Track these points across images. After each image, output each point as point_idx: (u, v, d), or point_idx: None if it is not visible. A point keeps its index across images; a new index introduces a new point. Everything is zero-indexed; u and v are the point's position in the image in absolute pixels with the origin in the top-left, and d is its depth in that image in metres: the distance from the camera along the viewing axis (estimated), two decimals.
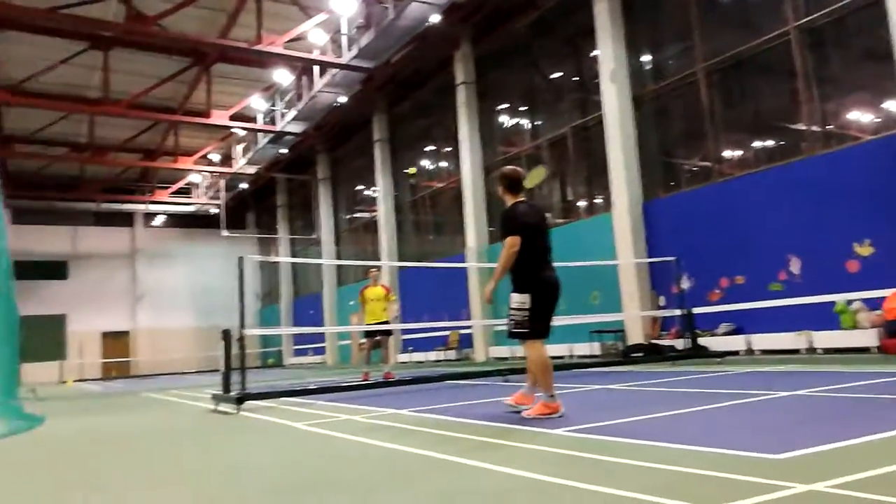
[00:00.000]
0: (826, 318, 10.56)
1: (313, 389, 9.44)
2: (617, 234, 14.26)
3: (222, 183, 31.26)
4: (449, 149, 21.59)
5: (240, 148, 28.66)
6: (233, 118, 24.32)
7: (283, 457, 4.39)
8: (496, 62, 19.26)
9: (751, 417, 4.43)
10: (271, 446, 4.87)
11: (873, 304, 9.99)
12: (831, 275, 10.75)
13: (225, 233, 30.58)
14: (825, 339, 10.46)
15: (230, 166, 29.66)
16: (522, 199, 5.38)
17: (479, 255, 18.52)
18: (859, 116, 11.55)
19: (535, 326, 5.11)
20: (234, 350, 8.07)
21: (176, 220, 36.03)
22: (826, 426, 3.84)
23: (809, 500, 2.32)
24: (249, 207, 37.54)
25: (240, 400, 7.42)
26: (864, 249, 10.40)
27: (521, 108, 18.79)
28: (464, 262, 18.30)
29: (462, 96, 19.36)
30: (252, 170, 29.89)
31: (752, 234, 11.90)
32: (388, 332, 12.06)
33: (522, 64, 18.49)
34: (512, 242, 5.11)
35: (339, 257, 27.82)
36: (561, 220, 17.05)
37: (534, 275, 5.16)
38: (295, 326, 31.72)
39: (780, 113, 12.56)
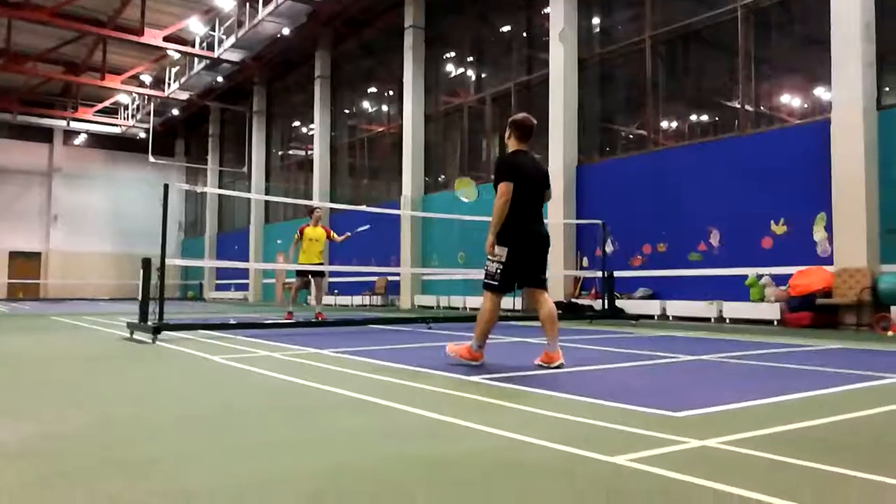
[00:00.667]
0: (737, 290, 11.10)
1: (233, 325, 9.31)
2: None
3: (152, 106, 29.86)
4: (391, 93, 21.24)
5: (173, 71, 27.36)
6: (167, 39, 23.13)
7: (197, 387, 4.34)
8: (447, 9, 18.92)
9: (657, 378, 4.64)
10: (185, 376, 4.81)
11: (781, 280, 10.55)
12: (747, 249, 11.25)
13: (151, 158, 29.39)
14: (734, 309, 11.01)
15: (162, 90, 28.33)
16: (524, 149, 5.11)
17: (414, 203, 18.47)
18: (790, 100, 11.96)
19: (502, 281, 4.95)
20: (154, 280, 7.85)
21: (100, 141, 34.35)
22: (723, 390, 4.07)
23: (701, 454, 2.46)
24: (179, 134, 36.11)
25: (156, 330, 7.26)
26: (779, 228, 10.91)
27: (468, 59, 18.60)
28: (398, 209, 18.22)
29: (410, 40, 18.98)
30: (184, 96, 28.67)
31: (679, 205, 12.29)
32: (321, 274, 11.94)
33: (473, 14, 18.23)
34: (504, 190, 4.86)
35: (268, 194, 27.20)
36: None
37: (516, 228, 4.92)
38: (218, 260, 31.05)
39: (718, 89, 12.88)
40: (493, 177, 5.09)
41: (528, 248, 4.97)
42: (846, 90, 9.88)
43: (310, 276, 11.54)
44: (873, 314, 9.26)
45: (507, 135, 5.17)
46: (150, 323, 7.42)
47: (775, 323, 10.28)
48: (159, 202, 7.75)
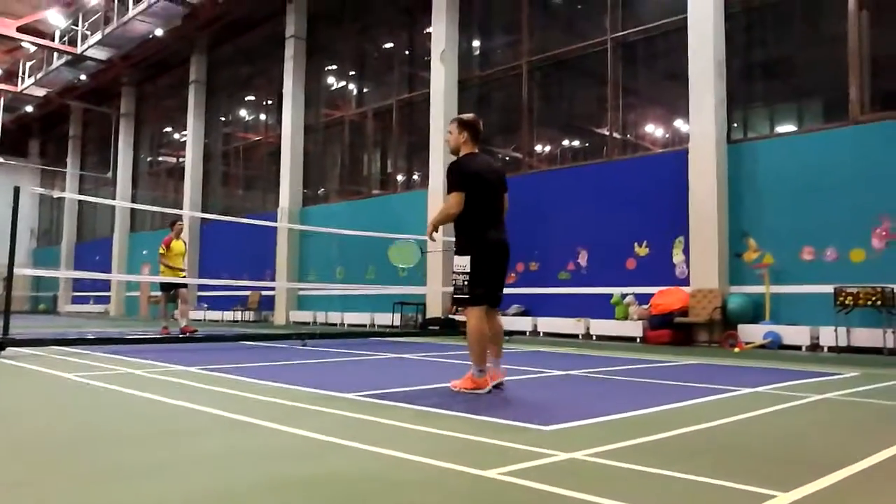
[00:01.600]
0: (603, 308, 11.66)
1: (91, 340, 8.70)
2: (430, 211, 14.61)
3: (1, 101, 27.44)
4: (270, 102, 20.74)
5: (28, 65, 25.33)
6: (22, 30, 21.39)
7: (48, 407, 4.00)
8: (330, 21, 18.78)
9: (528, 392, 4.78)
10: (34, 396, 4.42)
11: (643, 300, 11.21)
12: (612, 270, 11.88)
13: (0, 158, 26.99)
14: (600, 326, 11.56)
15: (14, 84, 26.12)
16: (476, 151, 4.84)
17: (291, 216, 18.07)
18: (654, 130, 12.81)
19: (474, 292, 4.61)
20: None
21: None
22: (590, 404, 4.26)
23: (569, 466, 2.56)
24: (33, 134, 33.38)
25: (0, 345, 6.63)
26: (642, 250, 11.61)
27: (350, 73, 18.53)
28: (274, 221, 17.75)
29: (290, 50, 18.64)
30: (41, 92, 26.57)
31: (551, 226, 12.78)
32: (185, 286, 11.49)
33: (356, 28, 18.19)
34: (454, 202, 4.60)
35: (135, 202, 25.67)
36: (377, 192, 17.13)
37: (478, 235, 4.65)
38: (76, 271, 28.90)
39: (589, 116, 13.57)
40: (445, 182, 4.79)
41: (491, 257, 4.68)
42: (701, 123, 10.71)
43: (176, 290, 11.11)
44: (723, 332, 10.03)
45: (459, 137, 4.84)
46: None
47: (638, 340, 10.89)
48: (8, 206, 7.12)
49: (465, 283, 4.64)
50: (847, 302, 8.86)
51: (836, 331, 8.99)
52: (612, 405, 4.07)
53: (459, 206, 4.61)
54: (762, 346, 9.46)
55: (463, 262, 4.67)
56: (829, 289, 9.19)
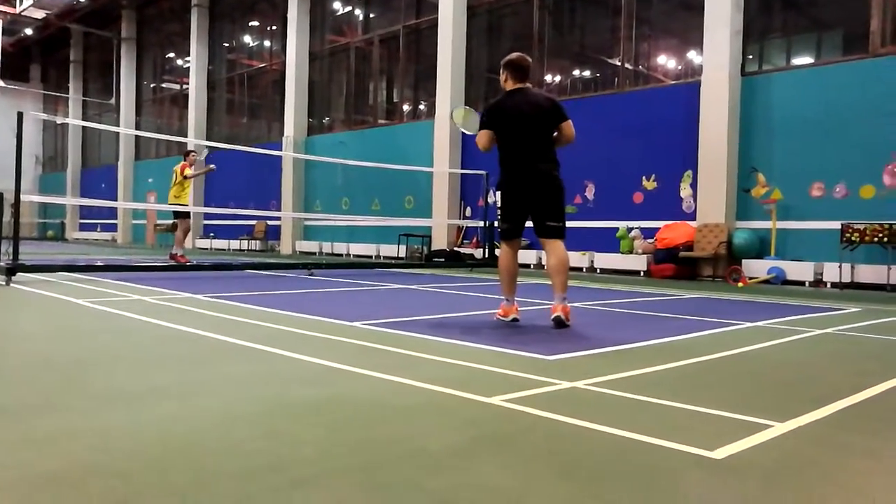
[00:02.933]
0: (609, 241, 11.69)
1: (100, 266, 8.80)
2: (436, 143, 14.48)
3: (0, 24, 26.87)
4: (274, 28, 20.28)
5: None
6: None
7: (61, 331, 4.09)
8: None
9: (532, 324, 4.84)
10: (47, 320, 4.51)
11: (649, 234, 11.21)
12: (619, 203, 11.84)
13: (0, 83, 26.63)
14: (605, 260, 11.61)
15: (12, 6, 25.51)
16: (518, 87, 4.84)
17: (296, 146, 17.93)
18: (666, 62, 12.52)
19: (501, 227, 4.84)
20: (7, 217, 7.23)
21: None
22: (593, 336, 4.32)
23: (571, 394, 2.62)
24: (34, 58, 32.84)
25: (10, 271, 6.72)
26: (650, 184, 11.54)
27: None
28: (279, 150, 17.64)
29: None
30: (40, 14, 25.99)
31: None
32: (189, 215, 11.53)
33: None
34: (477, 139, 4.89)
35: (139, 129, 25.45)
36: (383, 122, 16.93)
37: (503, 172, 4.79)
38: (83, 198, 28.92)
39: (601, 46, 13.25)
40: None
41: (515, 189, 4.74)
42: (715, 55, 10.46)
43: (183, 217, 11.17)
44: (727, 267, 10.07)
45: (502, 77, 4.94)
46: (2, 263, 6.85)
47: (642, 274, 10.95)
48: (12, 132, 7.07)
49: (498, 218, 4.84)
50: (854, 238, 8.85)
51: (840, 267, 9.01)
52: (614, 337, 4.13)
53: (481, 142, 4.82)
54: (766, 282, 9.51)
55: (497, 198, 4.85)
56: (836, 225, 9.18)
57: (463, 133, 14.27)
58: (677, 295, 7.59)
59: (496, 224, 4.89)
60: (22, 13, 25.31)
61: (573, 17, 13.81)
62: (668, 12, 12.34)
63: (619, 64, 12.39)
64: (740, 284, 9.34)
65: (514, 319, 4.70)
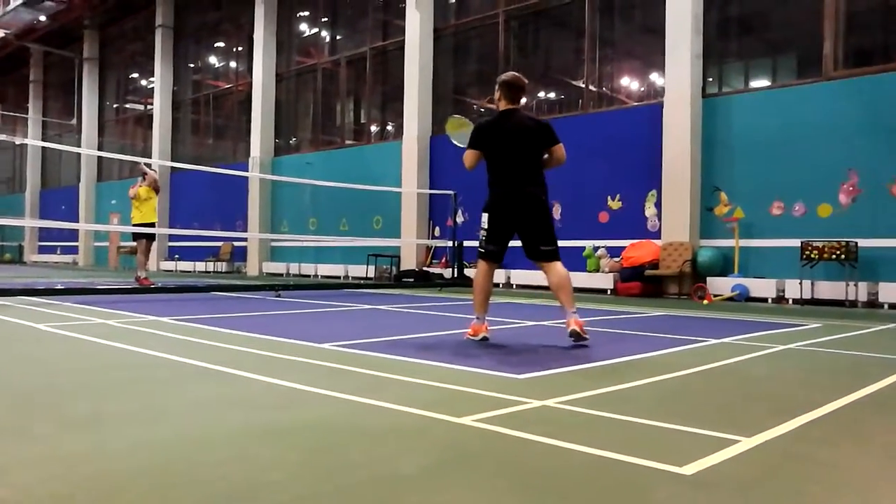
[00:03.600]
0: (575, 260, 11.79)
1: (61, 290, 8.59)
2: (404, 163, 14.52)
3: None
4: (240, 49, 20.22)
5: None
6: None
7: (19, 356, 3.97)
8: None
9: (502, 343, 4.85)
10: (4, 346, 4.38)
11: (615, 253, 11.35)
12: (585, 223, 11.98)
13: None
14: (572, 279, 11.68)
15: None
16: (511, 108, 4.85)
17: (263, 166, 17.82)
18: (629, 83, 12.77)
19: (485, 247, 4.81)
20: None
21: None
22: (561, 353, 4.34)
23: (541, 413, 2.62)
24: None
25: None
26: (615, 203, 11.71)
27: (323, 19, 18.07)
28: (246, 171, 17.50)
29: None
30: None
31: None
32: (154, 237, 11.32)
33: None
34: (465, 157, 4.86)
35: (101, 149, 25.02)
36: (351, 143, 16.94)
37: (491, 193, 4.78)
38: (42, 220, 28.27)
39: (565, 68, 13.47)
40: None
41: (502, 211, 4.74)
42: (677, 77, 10.71)
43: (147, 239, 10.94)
44: (692, 285, 10.23)
45: (496, 96, 4.95)
46: None
47: (609, 292, 11.07)
48: None
49: (483, 237, 4.83)
50: (812, 256, 9.08)
51: (801, 284, 9.23)
52: (583, 355, 4.16)
53: (467, 161, 4.85)
54: (730, 299, 9.69)
55: (484, 219, 4.83)
56: (796, 243, 9.41)
57: (430, 154, 14.41)
58: (644, 313, 7.68)
59: (479, 244, 4.85)
60: None
61: (538, 40, 14.03)
62: (630, 35, 12.61)
63: (583, 86, 12.60)
64: (705, 302, 9.49)
65: (484, 338, 4.69)
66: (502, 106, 4.87)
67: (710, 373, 3.68)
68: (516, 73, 4.98)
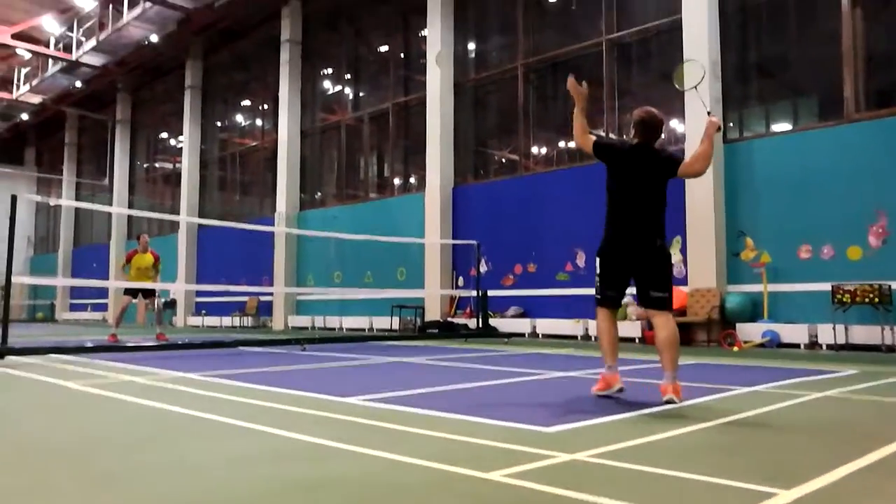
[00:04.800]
0: None
1: (90, 347, 8.69)
2: (427, 215, 14.64)
3: None
4: (266, 107, 20.76)
5: (24, 72, 25.28)
6: (17, 37, 21.37)
7: (51, 415, 4.00)
8: (325, 24, 18.80)
9: (527, 393, 4.79)
10: (36, 404, 4.42)
11: None
12: None
13: None
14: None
15: (9, 92, 26.08)
16: (642, 143, 4.58)
17: (289, 220, 18.07)
18: None
19: (603, 293, 4.46)
20: None
21: None
22: (589, 404, 4.27)
23: (572, 467, 2.57)
24: (29, 142, 33.35)
25: None
26: None
27: (346, 77, 18.54)
28: (272, 226, 17.75)
29: (286, 54, 18.67)
30: (36, 99, 26.54)
31: (548, 227, 12.81)
32: (153, 292, 11.49)
33: (351, 32, 18.22)
34: (580, 134, 4.84)
35: (132, 207, 25.62)
36: (374, 196, 17.16)
37: (606, 233, 4.50)
38: (74, 278, 28.80)
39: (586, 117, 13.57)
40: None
41: (616, 254, 4.45)
42: (697, 123, 10.72)
43: (141, 296, 11.19)
44: (721, 331, 10.05)
45: (632, 134, 4.72)
46: None
47: (637, 340, 10.91)
48: (5, 214, 7.11)
49: (598, 283, 4.51)
50: (844, 300, 8.90)
51: (834, 328, 9.02)
52: (612, 406, 4.08)
53: (580, 139, 4.83)
54: (761, 345, 9.49)
55: (596, 263, 4.56)
56: (826, 286, 9.23)
57: (453, 205, 14.51)
58: None
59: (595, 290, 4.49)
60: (18, 98, 25.84)
61: (557, 90, 14.22)
62: (648, 83, 12.73)
63: (603, 134, 12.69)
64: (735, 348, 9.31)
65: (620, 389, 4.35)
66: (636, 140, 4.63)
67: (744, 422, 3.59)
68: (650, 110, 4.61)
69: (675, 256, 11.17)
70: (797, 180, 10.03)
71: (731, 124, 11.09)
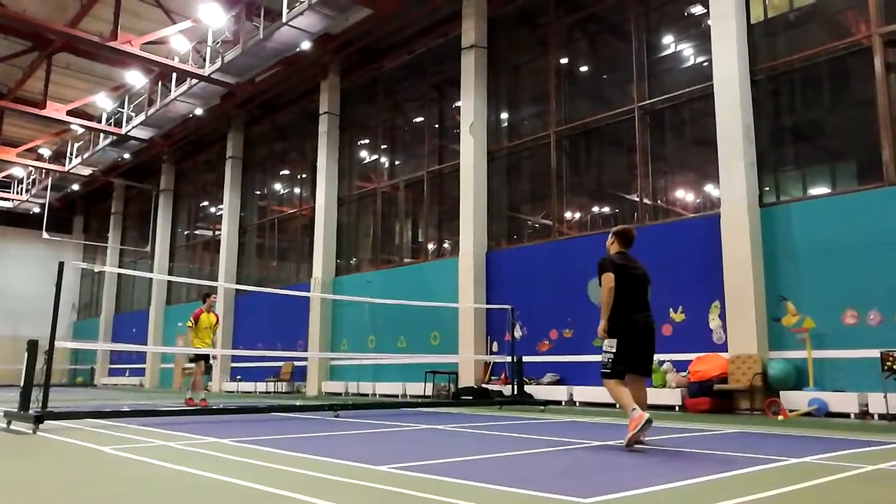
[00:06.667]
0: None
1: (126, 412, 8.75)
2: (461, 279, 14.65)
3: (49, 181, 28.60)
4: (304, 175, 21.30)
5: (76, 146, 26.46)
6: (71, 113, 22.48)
7: (85, 480, 4.01)
8: (362, 97, 19.42)
9: (565, 463, 4.66)
10: (72, 469, 4.44)
11: (681, 366, 10.96)
12: None
13: (45, 235, 27.92)
14: None
15: (62, 164, 27.26)
16: (625, 251, 5.87)
17: (324, 286, 18.25)
18: (684, 195, 12.81)
19: (615, 368, 5.49)
20: (40, 364, 7.32)
21: None
22: (629, 474, 4.13)
23: None
24: (78, 211, 34.63)
25: (39, 419, 6.70)
26: (678, 316, 11.43)
27: (382, 146, 18.99)
28: (308, 291, 17.94)
29: (324, 126, 19.26)
30: (87, 171, 27.68)
31: (583, 292, 12.69)
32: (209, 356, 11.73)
33: (387, 103, 18.78)
34: (607, 279, 5.55)
35: (172, 274, 26.21)
36: (409, 261, 17.28)
37: (621, 320, 5.52)
38: (114, 343, 29.31)
39: (618, 183, 13.65)
40: (596, 274, 5.74)
41: (632, 336, 5.54)
42: (732, 188, 10.69)
43: (207, 361, 11.42)
44: (765, 399, 9.71)
45: (609, 242, 5.98)
46: (31, 411, 6.86)
47: (677, 408, 10.60)
48: (53, 281, 7.33)
49: (609, 360, 5.51)
50: (895, 367, 8.56)
51: (885, 397, 8.65)
52: (652, 476, 3.94)
53: (611, 282, 5.54)
54: (807, 414, 9.13)
55: (610, 344, 5.54)
56: (874, 353, 8.91)
57: (486, 269, 14.53)
58: (715, 430, 7.30)
59: (607, 366, 5.50)
60: (70, 171, 26.97)
61: (589, 156, 14.35)
62: (682, 148, 12.78)
63: (637, 199, 12.70)
64: (780, 417, 8.97)
65: (649, 420, 5.10)
66: (616, 249, 5.88)
67: (792, 497, 3.42)
68: (629, 227, 6.05)
69: (715, 322, 10.95)
70: (839, 244, 9.84)
71: (767, 188, 11.01)
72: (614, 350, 5.49)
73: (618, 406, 5.23)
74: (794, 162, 11.30)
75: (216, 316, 11.69)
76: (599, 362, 5.57)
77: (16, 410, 7.07)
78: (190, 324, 11.37)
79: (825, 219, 10.08)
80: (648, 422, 5.09)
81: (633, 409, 5.21)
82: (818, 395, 9.30)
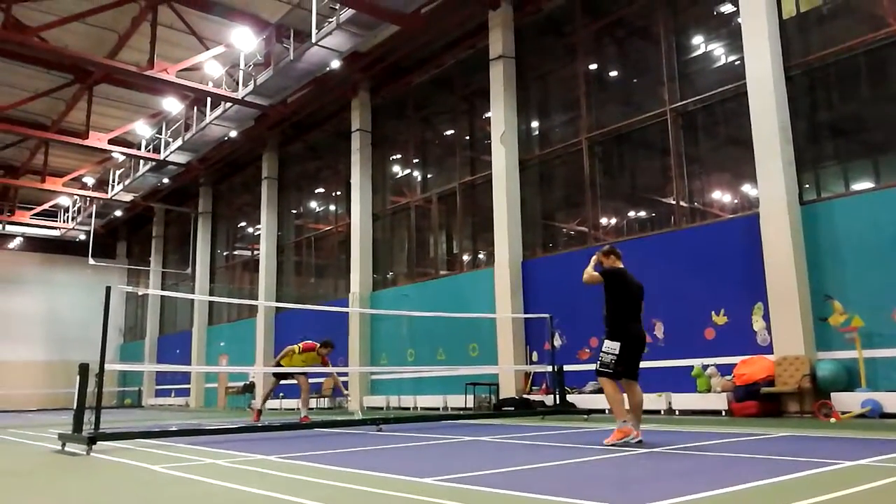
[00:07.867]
0: (684, 381, 11.24)
1: (174, 431, 8.92)
2: (497, 289, 14.62)
3: (94, 208, 29.40)
4: (338, 193, 21.53)
5: (117, 173, 27.18)
6: (112, 142, 23.09)
7: (138, 499, 4.10)
8: (392, 113, 19.58)
9: (612, 472, 4.61)
10: (126, 488, 4.54)
11: (725, 370, 10.76)
12: (691, 341, 11.50)
13: (91, 261, 28.66)
14: (682, 400, 11.11)
15: (105, 192, 28.00)
16: (623, 267, 6.57)
17: (362, 301, 18.38)
18: (721, 196, 12.62)
19: (616, 369, 6.14)
20: (91, 386, 7.51)
21: (36, 244, 33.33)
22: (678, 481, 4.06)
23: None
24: (121, 236, 35.49)
25: (92, 440, 6.87)
26: (720, 318, 11.23)
27: (414, 160, 19.11)
28: (346, 307, 18.08)
29: (357, 143, 19.46)
30: (128, 197, 28.37)
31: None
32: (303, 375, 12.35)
33: (418, 118, 18.91)
34: (596, 278, 6.37)
35: (213, 295, 26.66)
36: (444, 273, 17.30)
37: (624, 327, 6.21)
38: (159, 364, 29.88)
39: (653, 187, 13.51)
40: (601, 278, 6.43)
41: (632, 343, 6.22)
42: (770, 187, 10.49)
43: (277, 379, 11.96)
44: (814, 401, 9.47)
45: (605, 259, 6.61)
46: (84, 433, 7.03)
47: (723, 413, 10.39)
48: (99, 306, 7.52)
49: (612, 361, 6.14)
50: None
51: None
52: (699, 483, 3.87)
53: (592, 277, 6.43)
54: (861, 416, 8.87)
55: (613, 346, 6.16)
56: None
57: (523, 278, 14.46)
58: (764, 434, 7.14)
59: (606, 366, 6.16)
60: (113, 197, 27.70)
61: (622, 161, 14.23)
62: (716, 149, 12.60)
63: (673, 202, 12.54)
64: (833, 420, 8.73)
65: (639, 441, 5.82)
66: (611, 263, 6.54)
67: (851, 500, 3.33)
68: (611, 245, 6.77)
69: (758, 324, 10.73)
70: (885, 240, 9.58)
71: (808, 185, 10.79)
72: (617, 353, 6.10)
73: (607, 412, 5.87)
74: (835, 157, 11.05)
75: (324, 363, 12.13)
76: (598, 360, 6.18)
77: (70, 433, 7.26)
78: (297, 349, 11.81)
79: (870, 214, 9.82)
80: (639, 443, 5.88)
81: (624, 421, 6.03)
82: (872, 396, 9.03)
